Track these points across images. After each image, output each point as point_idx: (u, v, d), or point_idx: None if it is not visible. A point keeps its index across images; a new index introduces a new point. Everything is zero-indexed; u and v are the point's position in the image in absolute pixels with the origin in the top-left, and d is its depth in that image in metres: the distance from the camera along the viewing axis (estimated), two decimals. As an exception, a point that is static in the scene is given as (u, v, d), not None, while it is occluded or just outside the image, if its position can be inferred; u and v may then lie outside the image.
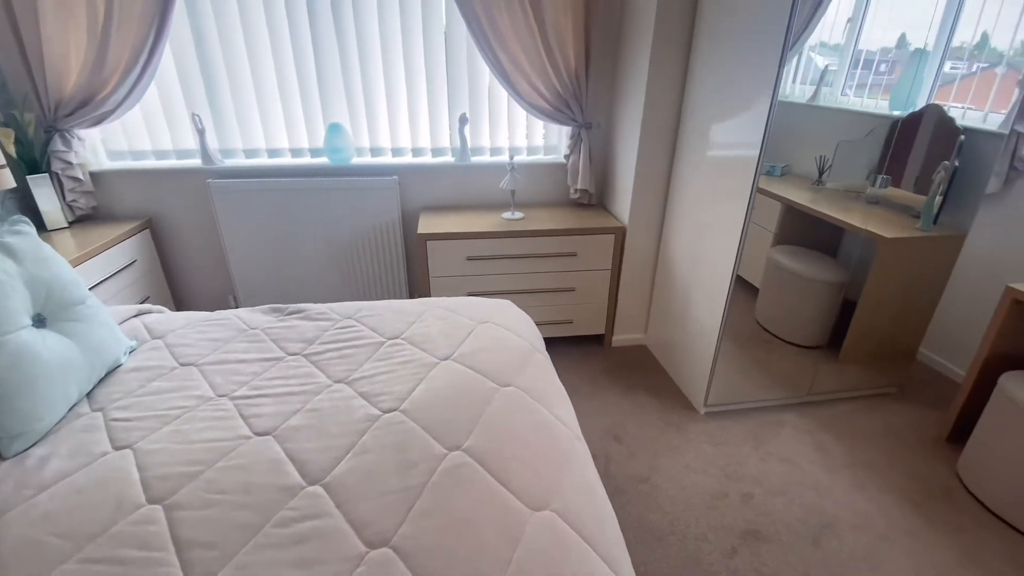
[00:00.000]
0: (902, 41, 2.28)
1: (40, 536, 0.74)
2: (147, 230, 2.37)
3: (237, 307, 2.58)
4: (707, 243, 2.02)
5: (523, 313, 1.47)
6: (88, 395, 1.09)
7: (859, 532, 1.53)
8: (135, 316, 1.43)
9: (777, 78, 1.57)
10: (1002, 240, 2.11)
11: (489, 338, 1.23)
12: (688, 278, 2.17)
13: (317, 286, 2.56)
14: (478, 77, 2.39)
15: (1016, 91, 1.97)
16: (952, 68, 2.22)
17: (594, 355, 2.47)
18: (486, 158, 2.56)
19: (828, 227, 2.55)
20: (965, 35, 2.11)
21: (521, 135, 2.58)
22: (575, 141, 2.43)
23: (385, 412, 1.00)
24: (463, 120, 2.43)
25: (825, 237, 2.60)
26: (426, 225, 2.27)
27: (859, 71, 2.42)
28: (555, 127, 2.58)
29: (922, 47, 2.22)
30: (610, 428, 1.97)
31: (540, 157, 2.62)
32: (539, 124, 2.57)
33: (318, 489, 0.83)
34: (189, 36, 2.16)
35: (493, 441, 0.89)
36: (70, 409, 1.04)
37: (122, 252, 2.17)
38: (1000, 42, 2.11)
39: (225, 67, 2.24)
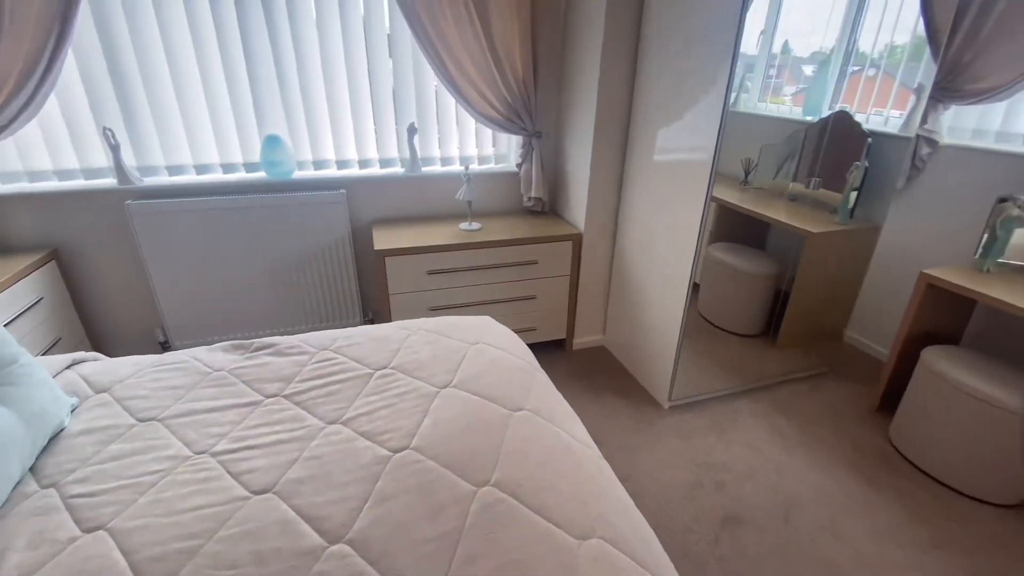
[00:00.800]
0: (810, 53, 2.51)
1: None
2: (53, 261, 2.07)
3: (166, 342, 2.34)
4: (661, 245, 2.10)
5: (507, 329, 1.45)
6: (32, 469, 0.93)
7: (820, 506, 1.67)
8: (68, 367, 1.24)
9: (728, 85, 1.66)
10: (912, 230, 2.38)
11: (486, 361, 1.20)
12: (643, 279, 2.25)
13: (259, 313, 2.37)
14: (425, 86, 2.34)
15: (911, 99, 2.23)
16: (865, 77, 2.46)
17: (558, 359, 2.50)
18: (437, 168, 2.51)
19: (757, 224, 2.76)
20: (865, 45, 2.36)
21: (471, 145, 2.55)
22: (526, 150, 2.44)
23: (395, 452, 0.95)
24: (412, 130, 2.36)
25: (754, 233, 2.82)
26: (382, 240, 2.18)
27: (773, 80, 2.63)
28: (504, 136, 2.58)
29: (827, 59, 2.46)
30: (589, 432, 2.00)
31: (491, 166, 2.60)
32: (488, 133, 2.56)
33: (344, 548, 0.76)
34: (96, 41, 1.92)
35: (522, 471, 0.87)
36: (13, 489, 0.88)
37: (25, 289, 1.88)
38: (889, 51, 2.37)
39: (141, 75, 2.01)
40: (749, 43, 2.30)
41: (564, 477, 0.87)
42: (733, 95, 2.22)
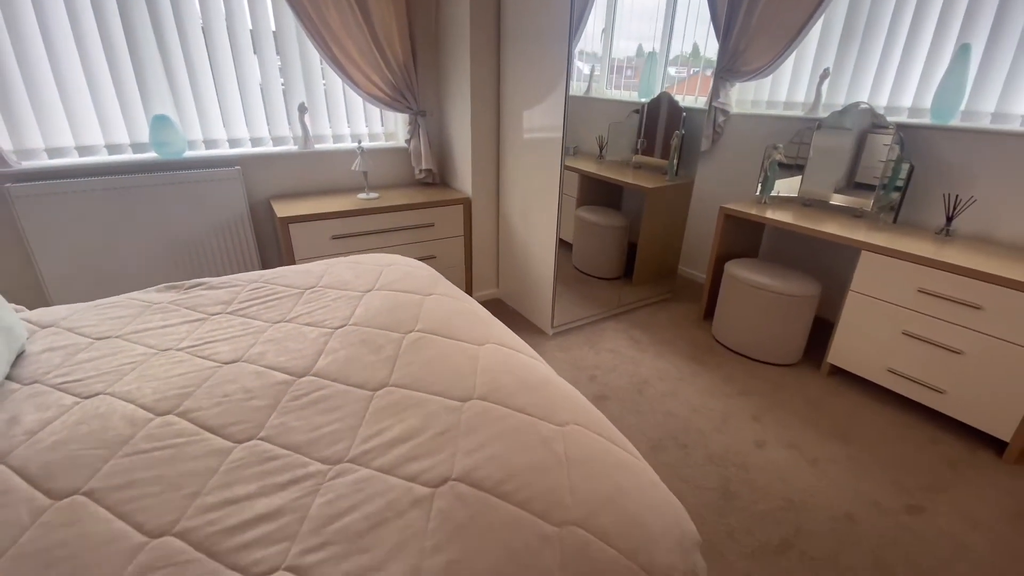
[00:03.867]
0: (639, 48, 3.14)
1: (70, 453, 0.83)
2: (-83, 250, 1.97)
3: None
4: (535, 208, 2.55)
5: (411, 258, 1.77)
6: (8, 378, 1.07)
7: (664, 381, 2.22)
8: (0, 315, 1.33)
9: (568, 74, 2.13)
10: (716, 181, 3.09)
11: (400, 273, 1.52)
12: (524, 237, 2.68)
13: (162, 289, 2.41)
14: (312, 68, 2.54)
15: (711, 80, 2.91)
16: (679, 68, 3.12)
17: (457, 311, 2.85)
18: (330, 144, 2.72)
19: (612, 188, 3.36)
20: (676, 44, 3.01)
21: (360, 123, 2.79)
22: (413, 127, 2.75)
23: (337, 328, 1.23)
24: (302, 109, 2.55)
25: (610, 196, 3.42)
26: (283, 210, 2.36)
27: (615, 72, 3.23)
28: (392, 115, 2.86)
29: (653, 52, 3.09)
30: (485, 358, 2.38)
31: (383, 143, 2.87)
32: (377, 112, 2.82)
33: (310, 378, 1.04)
34: (-44, 18, 1.87)
35: (435, 323, 1.21)
36: (-3, 388, 1.02)
37: None
38: (700, 49, 3.05)
39: (15, 56, 1.98)
40: (595, 40, 2.83)
41: (464, 324, 1.23)
42: (584, 84, 2.73)
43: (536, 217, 2.55)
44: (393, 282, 1.47)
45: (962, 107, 2.08)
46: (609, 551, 0.68)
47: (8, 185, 2.03)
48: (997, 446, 1.84)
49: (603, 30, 2.98)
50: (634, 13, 3.00)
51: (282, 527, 0.70)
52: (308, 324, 1.27)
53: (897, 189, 2.19)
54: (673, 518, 0.77)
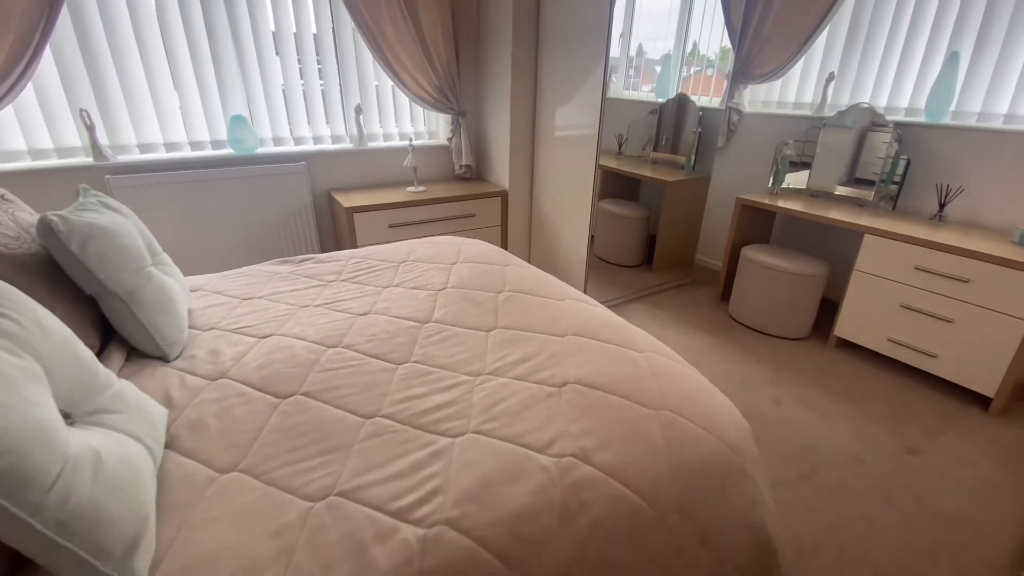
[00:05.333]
0: (660, 55, 3.42)
1: (276, 371, 1.09)
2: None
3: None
4: (567, 200, 2.82)
5: (478, 240, 2.04)
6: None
7: (687, 352, 2.49)
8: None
9: (605, 74, 2.40)
10: (731, 174, 3.36)
11: (475, 250, 1.79)
12: (556, 227, 2.95)
13: (235, 272, 2.68)
14: (365, 71, 2.81)
15: (725, 83, 3.19)
16: (694, 70, 3.40)
17: (495, 294, 3.12)
18: (380, 143, 2.98)
19: (631, 181, 3.64)
20: (691, 45, 3.29)
21: (407, 122, 3.06)
22: (455, 126, 3.02)
23: (439, 290, 1.50)
24: (358, 110, 2.82)
25: (630, 189, 3.70)
26: (347, 201, 2.63)
27: (633, 74, 3.50)
28: (433, 116, 3.13)
29: (669, 55, 3.36)
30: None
31: (426, 141, 3.14)
32: (420, 113, 3.09)
33: (434, 324, 1.31)
34: (71, 31, 2.13)
35: (521, 285, 1.48)
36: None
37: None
38: (710, 51, 3.33)
39: (113, 61, 2.25)
40: (614, 43, 3.10)
41: (544, 286, 1.50)
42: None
43: (568, 208, 2.82)
44: (473, 256, 1.74)
45: (952, 107, 2.36)
46: (692, 426, 0.95)
47: (108, 177, 2.29)
48: (983, 401, 2.12)
49: (621, 34, 3.26)
50: (651, 16, 3.29)
51: (457, 410, 0.97)
52: (414, 288, 1.53)
53: (895, 181, 2.46)
54: (731, 412, 1.04)
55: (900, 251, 2.19)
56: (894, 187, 2.47)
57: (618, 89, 3.66)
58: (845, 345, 2.55)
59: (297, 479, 0.81)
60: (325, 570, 0.66)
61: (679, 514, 0.83)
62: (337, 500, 0.76)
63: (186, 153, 2.52)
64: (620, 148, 3.72)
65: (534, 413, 0.94)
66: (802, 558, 1.42)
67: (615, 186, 3.66)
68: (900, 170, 2.44)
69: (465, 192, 2.89)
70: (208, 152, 2.56)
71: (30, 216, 1.16)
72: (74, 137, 2.28)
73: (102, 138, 2.32)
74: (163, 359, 1.17)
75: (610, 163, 3.27)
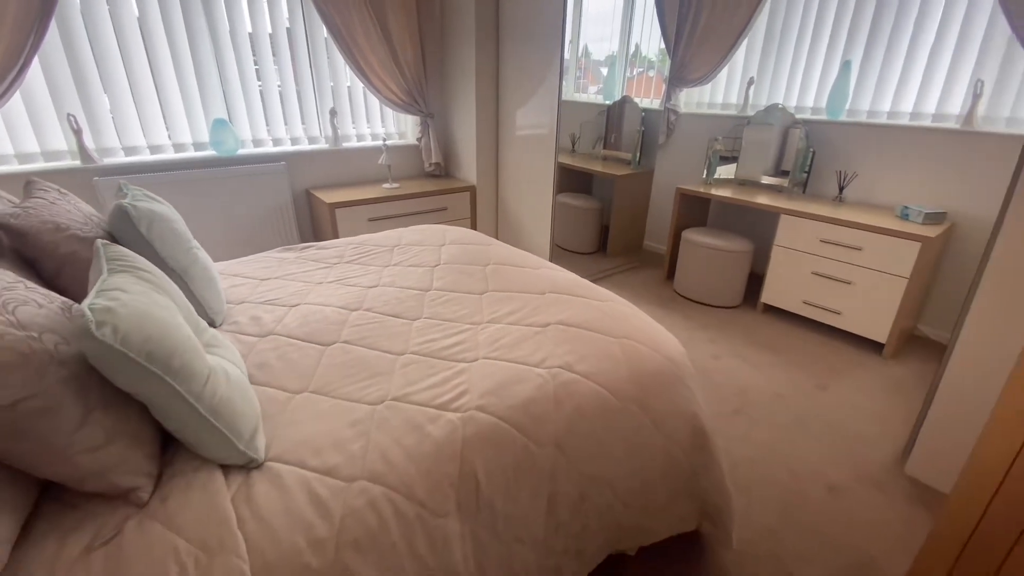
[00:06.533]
0: (603, 53, 3.78)
1: (315, 328, 1.33)
2: (23, 235, 2.31)
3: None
4: (529, 194, 3.13)
5: (460, 227, 2.31)
6: (218, 300, 1.54)
7: (642, 322, 2.85)
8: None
9: (560, 78, 2.72)
10: (672, 168, 3.78)
11: (459, 234, 2.05)
12: (520, 217, 3.26)
13: (221, 268, 2.82)
14: (338, 76, 3.02)
15: (664, 86, 3.59)
16: (637, 71, 3.79)
17: (467, 281, 3.39)
18: (354, 143, 3.19)
19: (584, 176, 4.00)
20: (633, 46, 3.69)
21: (377, 124, 3.29)
22: (423, 127, 3.27)
23: (434, 266, 1.77)
24: (333, 113, 3.02)
25: (582, 183, 4.07)
26: (328, 197, 2.83)
27: (580, 73, 3.86)
28: (402, 117, 3.37)
29: (614, 59, 3.74)
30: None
31: (396, 140, 3.37)
32: (390, 115, 3.32)
33: (435, 291, 1.57)
34: (57, 39, 2.24)
35: (504, 259, 1.76)
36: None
37: None
38: (651, 52, 3.74)
39: (97, 68, 2.37)
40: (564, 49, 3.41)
41: (524, 259, 1.79)
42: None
43: (531, 202, 3.13)
44: (458, 239, 2.01)
45: (847, 106, 2.84)
46: (643, 347, 1.27)
47: (95, 179, 2.41)
48: (878, 347, 2.59)
49: (570, 40, 3.61)
50: (597, 17, 3.66)
51: (469, 346, 1.24)
52: (411, 266, 1.79)
53: (805, 170, 2.92)
54: (672, 340, 1.37)
55: (809, 227, 2.63)
56: (804, 175, 2.94)
57: (569, 91, 4.02)
58: (770, 309, 2.99)
59: (357, 393, 1.06)
60: (396, 441, 0.93)
61: (636, 405, 1.15)
62: (392, 403, 1.03)
63: (170, 155, 2.65)
64: (574, 146, 4.10)
65: (528, 344, 1.24)
66: (737, 470, 1.78)
67: (571, 181, 4.02)
68: (809, 160, 2.90)
69: (436, 188, 3.15)
70: (191, 154, 2.70)
71: (87, 206, 1.34)
72: (61, 141, 2.38)
73: (89, 142, 2.43)
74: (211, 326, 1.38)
75: (565, 160, 3.61)
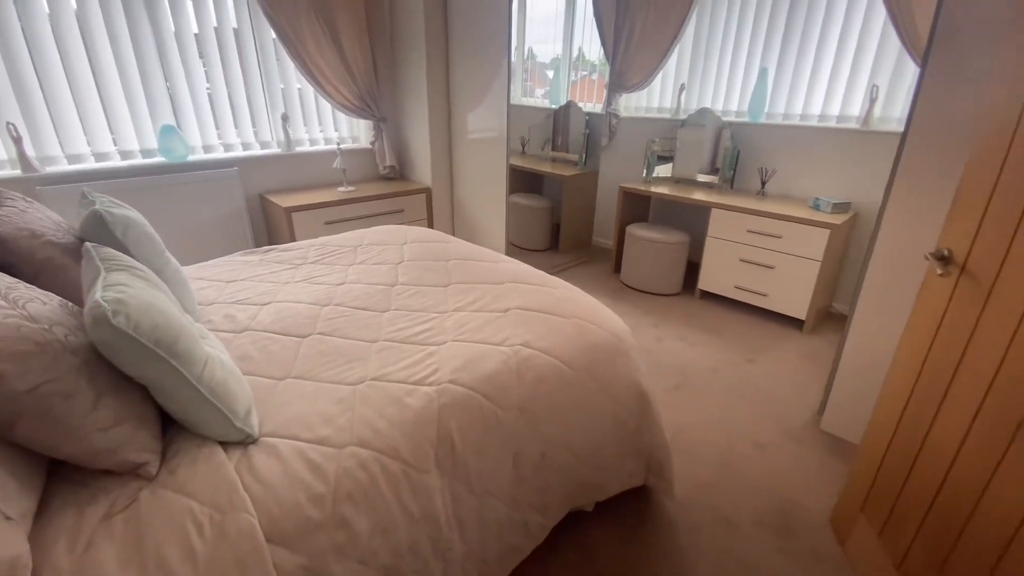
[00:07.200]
0: (548, 56, 3.98)
1: (290, 323, 1.42)
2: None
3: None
4: (483, 194, 3.27)
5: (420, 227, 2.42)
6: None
7: (593, 311, 3.06)
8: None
9: (508, 82, 2.88)
10: (615, 168, 4.02)
11: (420, 233, 2.17)
12: (475, 217, 3.40)
13: (175, 275, 2.80)
14: (289, 81, 3.05)
15: (605, 92, 3.83)
16: (581, 74, 4.01)
17: (425, 280, 3.50)
18: (307, 147, 3.23)
19: (534, 177, 4.19)
20: (576, 50, 3.91)
21: (330, 128, 3.33)
22: (377, 131, 3.35)
23: (398, 263, 1.88)
24: (284, 118, 3.05)
25: (533, 183, 4.26)
26: (283, 202, 2.86)
27: (526, 76, 4.05)
28: (354, 121, 3.43)
29: (559, 63, 3.94)
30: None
31: (350, 144, 3.43)
32: (341, 118, 3.37)
33: (400, 286, 1.69)
34: (-6, 45, 2.18)
35: (463, 255, 1.90)
36: (192, 306, 1.55)
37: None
38: (592, 54, 3.97)
39: (36, 74, 2.31)
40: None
41: (483, 254, 1.94)
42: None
43: (485, 202, 3.27)
44: (418, 238, 2.13)
45: (766, 109, 3.15)
46: (592, 326, 1.45)
47: (38, 188, 2.35)
48: (799, 324, 2.91)
49: (516, 47, 3.78)
50: (540, 20, 3.85)
51: (437, 332, 1.37)
52: (375, 264, 1.89)
53: (732, 167, 3.22)
54: (617, 319, 1.55)
55: (737, 219, 2.92)
56: (731, 172, 3.24)
57: (517, 95, 4.20)
58: (706, 295, 3.27)
59: (338, 376, 1.17)
60: (379, 413, 1.05)
61: (587, 374, 1.32)
62: (372, 383, 1.14)
63: (117, 163, 2.61)
64: (523, 148, 4.29)
65: (491, 327, 1.38)
66: (681, 434, 2.00)
67: (522, 181, 4.20)
68: (735, 159, 3.20)
69: (392, 190, 3.23)
70: (139, 161, 2.67)
71: (54, 214, 1.37)
72: (0, 150, 2.31)
73: (29, 150, 2.37)
74: (183, 326, 1.43)
75: (517, 161, 3.78)
